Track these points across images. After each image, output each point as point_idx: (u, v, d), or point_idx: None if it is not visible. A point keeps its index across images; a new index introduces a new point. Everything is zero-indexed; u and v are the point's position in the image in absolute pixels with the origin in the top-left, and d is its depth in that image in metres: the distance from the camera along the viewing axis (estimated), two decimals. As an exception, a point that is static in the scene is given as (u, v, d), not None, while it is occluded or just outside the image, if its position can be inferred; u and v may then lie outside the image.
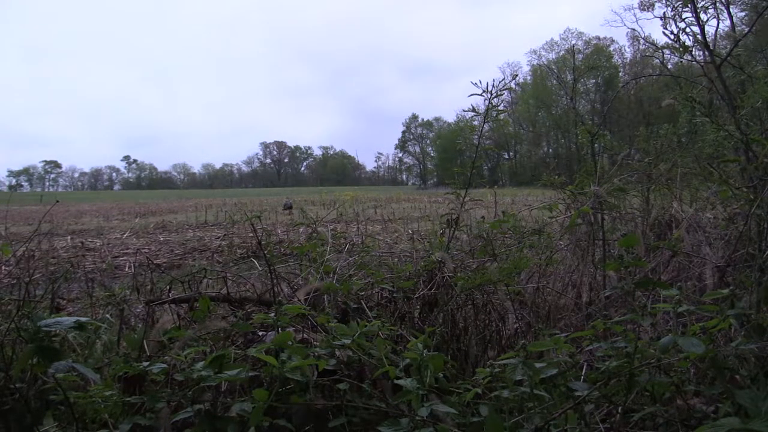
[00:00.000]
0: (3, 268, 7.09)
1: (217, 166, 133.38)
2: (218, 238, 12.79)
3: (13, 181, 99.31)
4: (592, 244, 4.36)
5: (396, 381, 2.08)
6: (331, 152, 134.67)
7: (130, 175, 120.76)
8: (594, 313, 3.63)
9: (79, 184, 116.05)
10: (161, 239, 13.72)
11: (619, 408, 2.07)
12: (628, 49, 79.35)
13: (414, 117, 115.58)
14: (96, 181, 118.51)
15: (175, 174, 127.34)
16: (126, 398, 2.08)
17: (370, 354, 2.33)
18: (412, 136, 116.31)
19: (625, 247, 2.39)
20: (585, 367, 2.41)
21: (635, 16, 55.25)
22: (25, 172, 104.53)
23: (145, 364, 2.05)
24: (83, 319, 1.82)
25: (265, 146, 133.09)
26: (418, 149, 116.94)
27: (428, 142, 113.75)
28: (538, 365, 1.96)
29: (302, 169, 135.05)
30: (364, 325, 2.44)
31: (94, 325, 2.82)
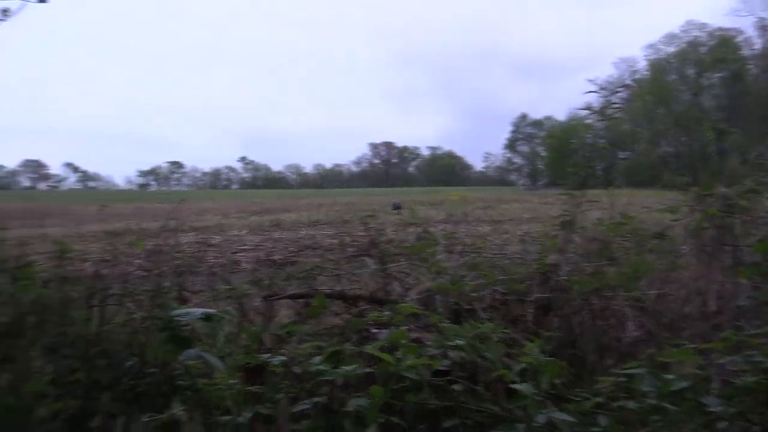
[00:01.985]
0: (135, 261, 7.61)
1: (328, 166, 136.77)
2: (330, 236, 13.12)
3: (143, 181, 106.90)
4: (721, 250, 4.08)
5: (511, 385, 2.04)
6: (439, 152, 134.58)
7: (246, 174, 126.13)
8: (723, 324, 3.40)
9: (201, 183, 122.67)
10: (276, 237, 14.27)
11: (757, 427, 1.92)
12: (757, 40, 73.57)
13: (523, 116, 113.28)
14: (215, 180, 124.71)
15: (288, 174, 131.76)
16: (248, 387, 2.17)
17: (484, 356, 2.30)
18: (521, 136, 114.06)
19: (762, 252, 2.21)
20: (715, 380, 2.25)
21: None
22: (153, 172, 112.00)
23: (266, 356, 2.14)
24: (211, 311, 1.92)
25: (374, 147, 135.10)
26: (527, 149, 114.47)
27: (538, 141, 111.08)
28: (666, 376, 1.85)
29: (410, 169, 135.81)
30: (476, 326, 2.42)
31: (219, 317, 2.97)
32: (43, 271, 3.34)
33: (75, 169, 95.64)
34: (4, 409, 2.51)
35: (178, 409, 2.44)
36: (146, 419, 2.36)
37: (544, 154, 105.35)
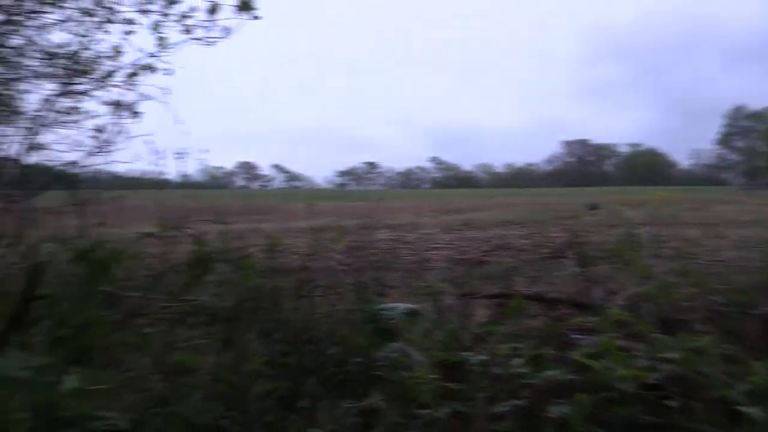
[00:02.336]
0: (336, 256, 8.09)
1: (519, 165, 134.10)
2: (522, 236, 12.85)
3: (340, 180, 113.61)
4: None
5: (736, 407, 1.83)
6: (640, 149, 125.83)
7: (437, 174, 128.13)
8: None
9: (393, 182, 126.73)
10: (467, 236, 14.30)
11: None
12: None
13: (739, 108, 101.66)
14: (407, 180, 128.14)
15: (479, 173, 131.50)
16: (446, 384, 2.19)
17: (700, 372, 2.09)
18: (736, 130, 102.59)
19: None
20: None
21: None
22: (350, 172, 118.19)
23: (466, 354, 2.14)
24: (414, 306, 1.97)
25: (568, 145, 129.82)
26: (743, 144, 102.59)
27: (757, 135, 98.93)
28: None
29: (607, 167, 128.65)
30: (692, 339, 2.21)
31: (422, 313, 3.03)
32: (259, 263, 3.66)
33: (281, 170, 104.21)
34: (228, 385, 2.79)
35: (377, 399, 2.53)
36: (348, 405, 2.48)
37: (765, 149, 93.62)
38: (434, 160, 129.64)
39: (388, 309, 1.97)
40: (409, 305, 1.97)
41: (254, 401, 2.67)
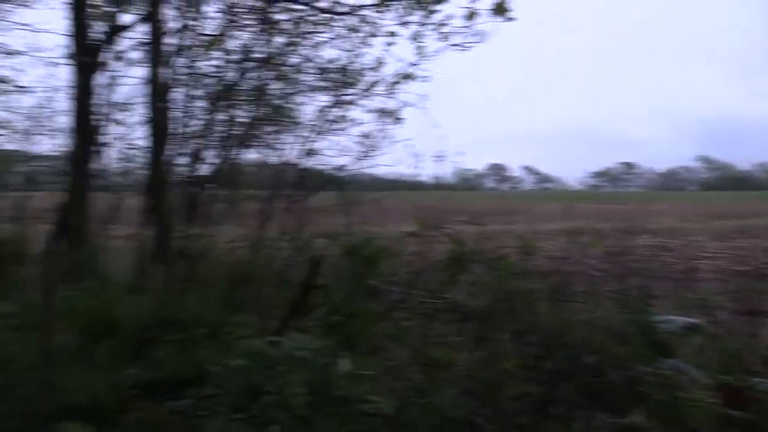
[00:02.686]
0: (590, 260, 7.68)
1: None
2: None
3: (594, 182, 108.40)
4: None
5: None
6: None
7: (705, 175, 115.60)
8: None
9: (653, 184, 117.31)
10: (743, 244, 12.68)
11: None
12: None
13: None
14: (668, 181, 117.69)
15: (757, 173, 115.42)
16: (729, 410, 1.94)
17: None
18: None
19: None
20: None
21: None
22: (605, 173, 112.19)
23: (754, 379, 1.88)
24: (694, 321, 1.78)
25: None
26: None
27: None
28: None
29: None
30: None
31: (705, 329, 2.74)
32: (513, 264, 3.63)
33: (532, 171, 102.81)
34: (481, 382, 2.81)
35: (640, 417, 2.34)
36: (606, 418, 2.34)
37: None
38: (703, 159, 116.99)
39: (665, 321, 1.80)
40: (690, 319, 1.78)
41: (507, 401, 2.65)
